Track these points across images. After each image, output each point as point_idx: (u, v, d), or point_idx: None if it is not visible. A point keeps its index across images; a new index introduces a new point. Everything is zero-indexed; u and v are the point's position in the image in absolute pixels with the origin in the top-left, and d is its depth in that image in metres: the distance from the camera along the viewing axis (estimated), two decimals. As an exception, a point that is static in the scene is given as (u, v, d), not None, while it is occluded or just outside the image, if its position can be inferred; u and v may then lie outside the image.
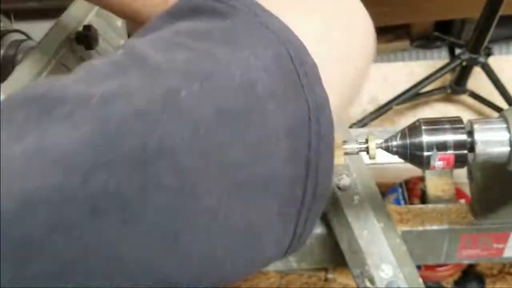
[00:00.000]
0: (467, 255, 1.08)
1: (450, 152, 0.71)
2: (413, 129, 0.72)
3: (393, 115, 1.65)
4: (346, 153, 0.72)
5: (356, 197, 0.86)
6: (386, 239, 0.86)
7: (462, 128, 0.72)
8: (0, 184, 0.24)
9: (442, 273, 1.39)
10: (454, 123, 0.71)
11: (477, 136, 0.70)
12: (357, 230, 0.85)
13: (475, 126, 0.71)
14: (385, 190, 1.48)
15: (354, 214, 0.86)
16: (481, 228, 1.02)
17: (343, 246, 0.87)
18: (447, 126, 0.71)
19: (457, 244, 1.05)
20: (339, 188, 0.87)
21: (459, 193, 1.36)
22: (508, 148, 0.70)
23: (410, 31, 2.36)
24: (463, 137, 0.71)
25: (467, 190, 1.11)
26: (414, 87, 1.51)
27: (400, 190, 1.44)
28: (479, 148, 0.70)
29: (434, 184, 1.10)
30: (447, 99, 1.66)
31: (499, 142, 0.70)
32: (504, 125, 0.70)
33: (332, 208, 0.86)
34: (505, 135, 0.70)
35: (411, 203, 1.36)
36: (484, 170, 0.94)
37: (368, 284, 0.84)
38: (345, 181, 0.85)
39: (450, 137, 0.71)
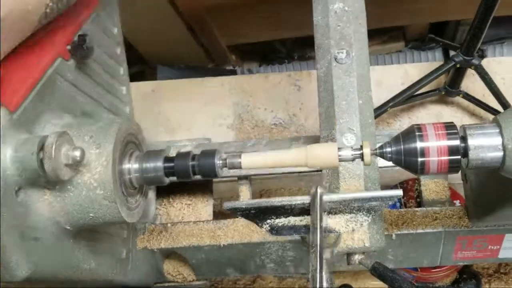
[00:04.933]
0: (463, 257, 1.09)
1: (444, 157, 0.72)
2: (407, 135, 0.73)
3: (389, 117, 1.66)
4: (341, 160, 0.73)
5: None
6: (360, 113, 0.91)
7: (456, 133, 0.72)
8: None
9: (438, 274, 1.40)
10: (448, 128, 0.72)
11: (471, 141, 0.71)
12: (337, 99, 0.91)
13: (468, 132, 0.72)
14: (381, 192, 1.49)
15: (340, 86, 0.92)
16: (476, 230, 1.02)
17: (321, 109, 0.94)
18: (440, 131, 0.72)
19: (452, 246, 1.06)
20: (336, 59, 0.94)
21: (454, 194, 1.36)
22: (501, 153, 0.71)
23: (405, 33, 2.37)
24: (457, 142, 0.71)
25: (462, 191, 1.11)
26: (409, 89, 1.51)
27: (396, 192, 1.45)
28: (472, 153, 0.71)
29: (429, 187, 1.11)
30: (442, 100, 1.66)
31: (492, 147, 0.71)
32: (497, 130, 0.71)
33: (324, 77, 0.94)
34: (498, 140, 0.71)
35: (407, 205, 1.36)
36: (478, 173, 0.95)
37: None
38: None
39: (443, 143, 0.72)
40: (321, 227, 0.68)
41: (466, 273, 1.47)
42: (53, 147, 0.62)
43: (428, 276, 1.40)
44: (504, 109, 1.50)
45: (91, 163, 0.68)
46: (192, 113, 1.71)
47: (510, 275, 1.46)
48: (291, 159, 0.71)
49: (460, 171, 1.00)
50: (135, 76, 2.50)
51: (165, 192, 1.19)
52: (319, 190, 0.69)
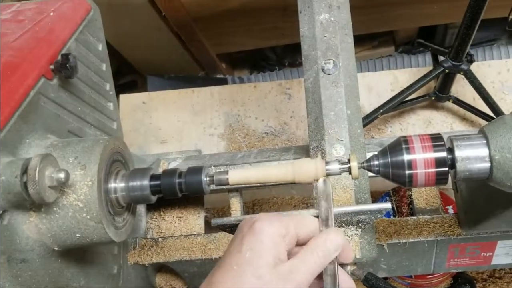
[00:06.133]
0: (456, 264, 1.09)
1: (431, 169, 0.72)
2: (394, 147, 0.73)
3: (380, 123, 1.66)
4: (328, 174, 0.73)
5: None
6: (349, 124, 0.91)
7: (442, 145, 0.72)
8: None
9: (433, 281, 1.39)
10: (434, 140, 0.72)
11: (458, 153, 0.71)
12: (325, 110, 0.91)
13: (455, 143, 0.71)
14: (375, 198, 1.49)
15: (328, 96, 0.92)
16: (468, 238, 1.02)
17: (310, 120, 0.93)
18: (427, 143, 0.72)
19: (445, 254, 1.06)
20: (323, 70, 0.93)
21: (447, 200, 1.36)
22: (489, 164, 0.70)
23: (395, 37, 2.38)
24: (443, 154, 0.71)
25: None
26: (399, 96, 1.51)
27: (388, 198, 1.45)
28: (459, 165, 0.71)
29: (421, 195, 1.10)
30: (432, 105, 1.66)
31: (479, 158, 0.70)
32: (484, 141, 0.71)
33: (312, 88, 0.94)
34: (485, 151, 0.70)
35: (400, 210, 1.36)
36: (468, 183, 0.95)
37: (319, 157, 0.89)
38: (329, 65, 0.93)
39: (430, 155, 0.71)
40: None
41: (461, 278, 1.47)
42: (37, 169, 0.62)
43: (422, 282, 1.40)
44: (494, 113, 1.51)
45: (76, 184, 0.68)
46: (182, 124, 1.71)
47: (505, 280, 1.45)
48: (279, 175, 0.70)
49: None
50: (127, 86, 2.50)
51: (156, 205, 1.18)
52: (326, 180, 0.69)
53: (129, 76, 2.52)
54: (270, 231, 0.60)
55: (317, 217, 0.68)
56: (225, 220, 0.74)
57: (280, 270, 0.58)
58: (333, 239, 0.63)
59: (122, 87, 2.44)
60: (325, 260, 0.62)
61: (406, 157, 0.71)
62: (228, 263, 0.59)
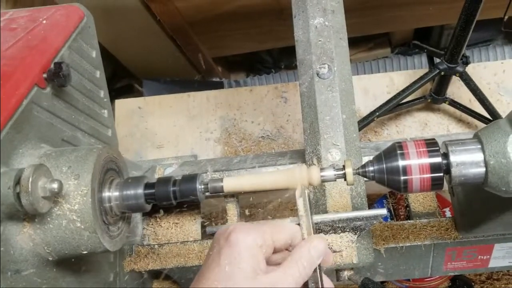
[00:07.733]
0: (453, 267, 1.09)
1: (426, 175, 0.71)
2: (389, 153, 0.72)
3: (376, 126, 1.66)
4: (323, 181, 0.72)
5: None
6: (344, 128, 0.91)
7: (437, 150, 0.72)
8: None
9: (430, 284, 1.39)
10: (429, 145, 0.72)
11: (453, 158, 0.71)
12: (320, 115, 0.92)
13: (450, 148, 0.71)
14: (372, 201, 1.48)
15: (323, 101, 0.92)
16: (465, 241, 1.02)
17: (306, 125, 0.94)
18: (422, 149, 0.71)
19: (442, 257, 1.05)
20: (318, 75, 0.94)
21: (443, 202, 1.36)
22: (484, 169, 0.70)
23: (391, 39, 2.39)
24: (438, 159, 0.71)
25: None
26: (395, 98, 1.51)
27: (385, 201, 1.44)
28: (454, 170, 0.71)
29: (417, 199, 1.10)
30: (428, 107, 1.66)
31: (474, 164, 0.70)
32: (479, 146, 0.70)
33: (307, 92, 0.95)
34: (480, 156, 0.70)
35: (398, 214, 1.36)
36: (464, 187, 0.95)
37: (315, 162, 0.88)
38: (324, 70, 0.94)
39: (425, 161, 0.71)
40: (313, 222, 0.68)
41: (459, 280, 1.47)
42: (30, 180, 0.61)
43: (420, 286, 1.40)
44: (490, 115, 1.50)
45: (70, 194, 0.67)
46: (179, 128, 1.70)
47: (503, 281, 1.45)
48: (273, 182, 0.70)
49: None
50: (124, 90, 2.50)
51: (152, 212, 1.18)
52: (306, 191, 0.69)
53: (125, 80, 2.52)
54: (247, 242, 0.59)
55: (298, 224, 0.68)
56: (219, 228, 0.73)
57: (261, 281, 0.58)
58: (316, 246, 0.63)
59: (118, 91, 2.44)
60: (309, 269, 0.62)
61: (401, 163, 0.70)
62: (207, 279, 0.58)
